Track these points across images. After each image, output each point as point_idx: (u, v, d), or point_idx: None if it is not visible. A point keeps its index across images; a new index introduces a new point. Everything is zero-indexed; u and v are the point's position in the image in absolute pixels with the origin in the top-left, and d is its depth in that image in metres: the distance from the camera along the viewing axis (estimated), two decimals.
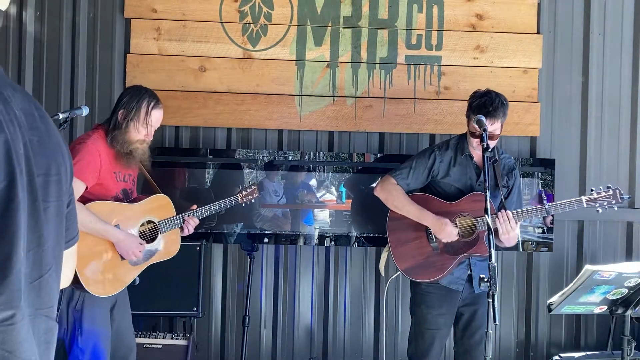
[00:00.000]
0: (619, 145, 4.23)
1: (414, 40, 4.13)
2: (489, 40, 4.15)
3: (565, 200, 3.26)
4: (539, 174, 4.09)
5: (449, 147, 3.39)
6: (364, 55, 4.12)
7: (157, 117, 3.06)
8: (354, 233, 4.06)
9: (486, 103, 3.19)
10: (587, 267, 2.76)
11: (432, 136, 4.16)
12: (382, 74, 4.12)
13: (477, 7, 4.15)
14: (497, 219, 3.12)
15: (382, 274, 3.63)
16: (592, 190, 3.25)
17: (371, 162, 4.11)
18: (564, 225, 4.17)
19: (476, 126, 3.08)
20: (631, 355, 3.01)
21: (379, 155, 4.12)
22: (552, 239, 4.08)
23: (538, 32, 4.17)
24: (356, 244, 4.08)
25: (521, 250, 4.10)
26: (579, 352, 3.96)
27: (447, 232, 3.22)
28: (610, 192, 3.20)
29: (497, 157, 3.27)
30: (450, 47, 4.13)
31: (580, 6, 4.22)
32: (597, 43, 4.21)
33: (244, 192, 3.38)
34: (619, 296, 2.92)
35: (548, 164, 4.10)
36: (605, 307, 2.98)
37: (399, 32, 4.13)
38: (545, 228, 4.05)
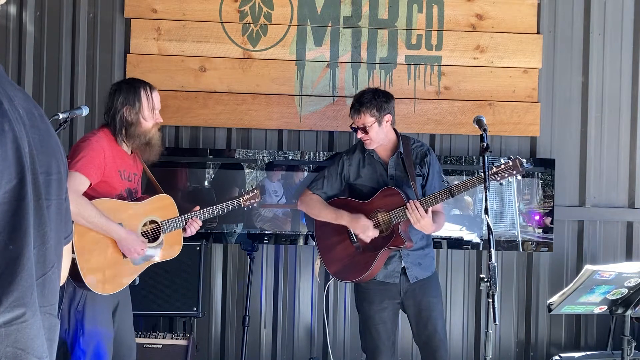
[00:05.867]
0: (619, 145, 4.23)
1: (414, 40, 4.13)
2: (489, 40, 4.15)
3: (468, 179, 3.16)
4: (539, 174, 4.09)
5: (356, 149, 3.45)
6: (364, 55, 4.12)
7: (157, 98, 3.17)
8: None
9: (355, 100, 3.32)
10: (587, 267, 2.76)
11: (432, 136, 4.16)
12: (382, 74, 4.12)
13: (477, 7, 4.15)
14: (406, 210, 3.15)
15: (318, 280, 3.78)
16: (492, 164, 3.12)
17: None
18: (564, 225, 4.18)
19: (476, 125, 3.05)
20: (631, 355, 3.01)
21: None
22: (552, 239, 4.08)
23: (538, 32, 4.18)
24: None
25: (521, 250, 4.10)
26: (579, 352, 3.96)
27: (362, 224, 3.27)
28: (510, 162, 3.08)
29: (401, 149, 3.30)
30: (450, 47, 4.14)
31: (580, 6, 4.22)
32: (597, 43, 4.21)
33: (246, 196, 3.37)
34: (619, 296, 2.92)
35: (548, 164, 4.10)
36: (605, 307, 2.98)
37: (399, 32, 4.13)
38: (544, 228, 4.06)
